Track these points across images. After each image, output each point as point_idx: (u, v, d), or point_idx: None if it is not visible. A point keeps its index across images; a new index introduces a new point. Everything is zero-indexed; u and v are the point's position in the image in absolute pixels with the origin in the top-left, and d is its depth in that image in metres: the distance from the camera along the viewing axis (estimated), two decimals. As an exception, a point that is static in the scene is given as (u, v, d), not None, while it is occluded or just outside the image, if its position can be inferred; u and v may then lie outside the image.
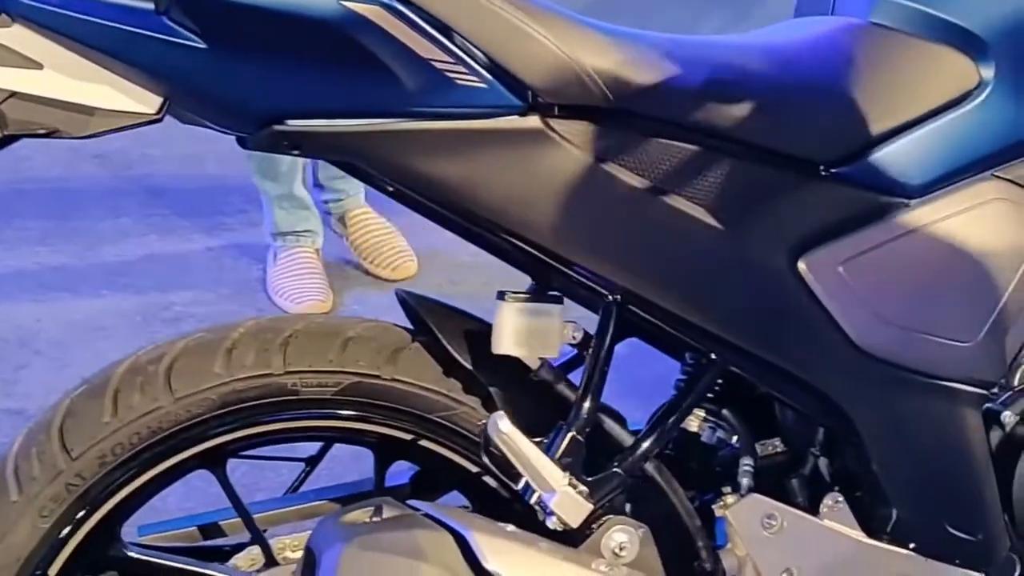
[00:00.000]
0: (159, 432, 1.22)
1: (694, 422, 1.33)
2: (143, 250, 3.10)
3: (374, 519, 1.19)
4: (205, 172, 3.46)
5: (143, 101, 1.12)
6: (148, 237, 3.17)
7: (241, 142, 1.19)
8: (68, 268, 3.00)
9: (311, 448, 1.42)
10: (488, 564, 1.15)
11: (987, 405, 1.35)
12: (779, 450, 1.37)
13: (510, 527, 1.22)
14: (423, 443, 1.29)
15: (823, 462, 1.35)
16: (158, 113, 1.13)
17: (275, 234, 2.90)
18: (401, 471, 1.38)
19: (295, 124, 1.13)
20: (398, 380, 1.26)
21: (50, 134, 1.12)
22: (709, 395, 1.32)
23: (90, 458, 1.20)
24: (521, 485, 1.20)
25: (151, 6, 1.07)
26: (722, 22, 3.35)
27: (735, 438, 1.34)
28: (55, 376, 2.51)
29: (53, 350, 2.66)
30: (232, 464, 1.29)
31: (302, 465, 1.44)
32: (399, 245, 2.96)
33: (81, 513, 1.21)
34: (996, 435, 1.37)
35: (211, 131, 1.18)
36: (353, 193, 2.97)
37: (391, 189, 1.20)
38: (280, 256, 2.88)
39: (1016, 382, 1.38)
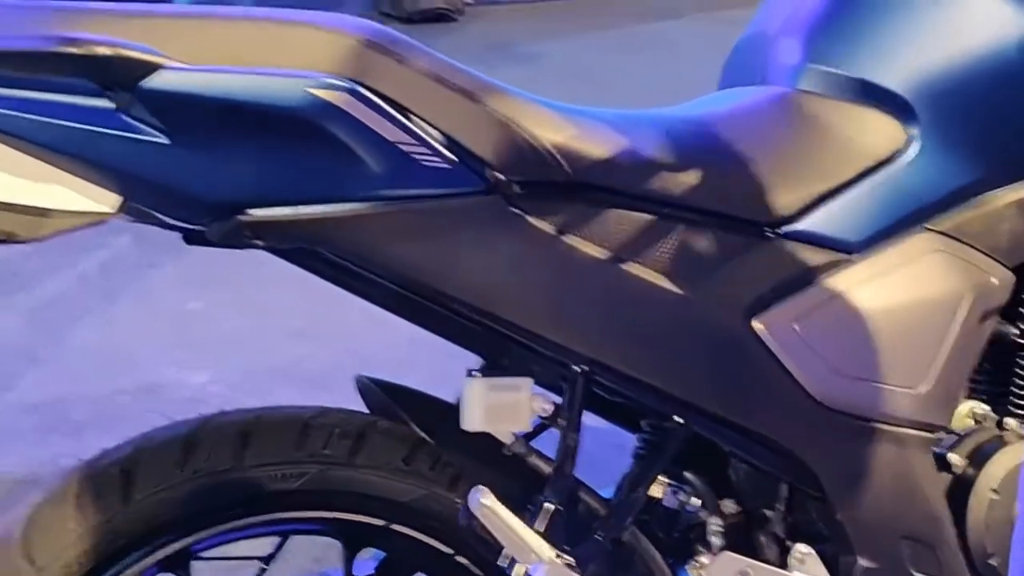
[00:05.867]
0: (122, 538, 1.18)
1: (659, 488, 1.34)
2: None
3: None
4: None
5: (101, 200, 1.09)
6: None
7: (189, 238, 1.17)
8: None
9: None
10: None
11: (935, 449, 1.39)
12: (747, 506, 1.38)
13: None
14: (394, 527, 1.27)
15: (789, 515, 1.37)
16: (116, 211, 1.10)
17: None
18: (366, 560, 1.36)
19: (258, 213, 1.11)
20: (365, 467, 1.25)
21: (5, 240, 1.09)
22: (671, 460, 1.34)
23: (55, 569, 1.16)
24: (504, 559, 1.19)
25: (111, 104, 1.05)
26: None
27: (695, 500, 1.35)
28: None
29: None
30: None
31: None
32: None
33: None
34: (945, 477, 1.41)
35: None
36: None
37: (349, 280, 1.20)
38: None
39: (961, 425, 1.43)
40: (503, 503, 1.20)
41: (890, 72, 1.36)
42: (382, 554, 1.35)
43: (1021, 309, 1.44)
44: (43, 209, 1.08)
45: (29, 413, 2.71)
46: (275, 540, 1.35)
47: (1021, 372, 1.45)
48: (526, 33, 6.17)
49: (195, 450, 1.21)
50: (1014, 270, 1.41)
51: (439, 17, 6.16)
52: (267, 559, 1.40)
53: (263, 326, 2.98)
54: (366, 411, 1.30)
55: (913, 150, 1.35)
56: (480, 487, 1.18)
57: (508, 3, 6.44)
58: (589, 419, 1.31)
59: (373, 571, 1.35)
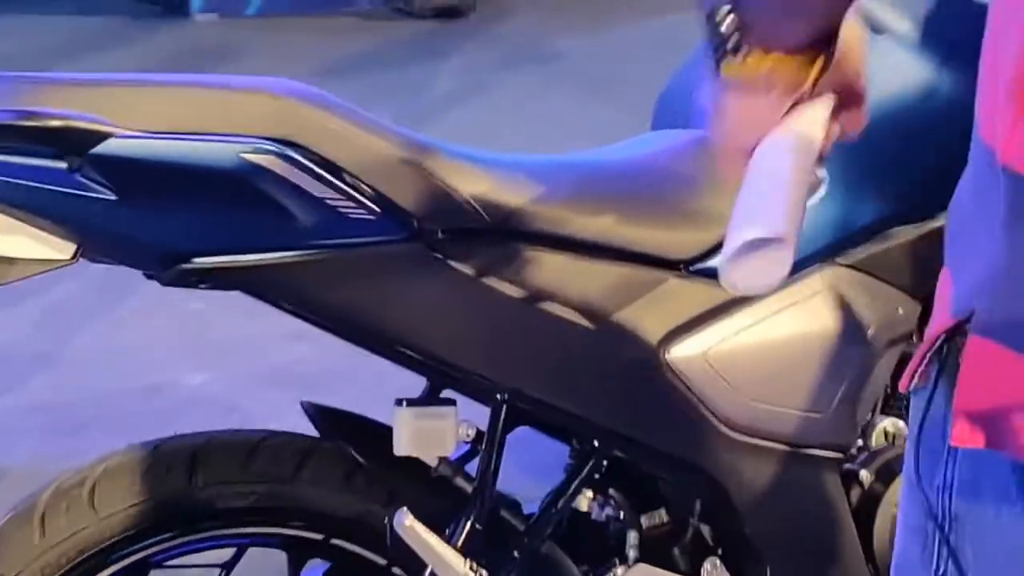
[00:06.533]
0: (85, 551, 1.31)
1: (584, 502, 1.46)
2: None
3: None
4: None
5: (58, 249, 1.22)
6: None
7: (151, 276, 1.29)
8: None
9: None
10: None
11: (846, 465, 1.50)
12: (664, 520, 1.49)
13: None
14: (334, 541, 1.39)
15: (703, 529, 1.48)
16: (72, 258, 1.23)
17: None
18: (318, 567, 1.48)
19: (201, 262, 1.24)
20: (307, 486, 1.37)
21: None
22: (596, 476, 1.45)
23: None
24: (427, 574, 1.31)
25: (63, 165, 1.17)
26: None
27: (617, 513, 1.46)
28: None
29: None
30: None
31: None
32: None
33: None
34: (855, 493, 1.51)
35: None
36: None
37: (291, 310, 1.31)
38: None
39: (872, 444, 1.53)
40: (429, 521, 1.32)
41: None
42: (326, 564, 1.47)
43: None
44: (8, 258, 1.21)
45: (36, 413, 2.84)
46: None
47: None
48: (539, 30, 6.20)
49: (151, 470, 1.34)
50: (928, 298, 1.51)
51: (450, 12, 6.23)
52: (225, 565, 1.52)
53: (262, 328, 3.10)
54: (311, 434, 1.42)
55: (822, 191, 1.45)
56: (403, 509, 1.30)
57: (520, -5, 6.48)
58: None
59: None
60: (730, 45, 0.93)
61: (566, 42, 5.84)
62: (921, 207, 1.48)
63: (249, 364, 2.95)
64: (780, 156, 0.97)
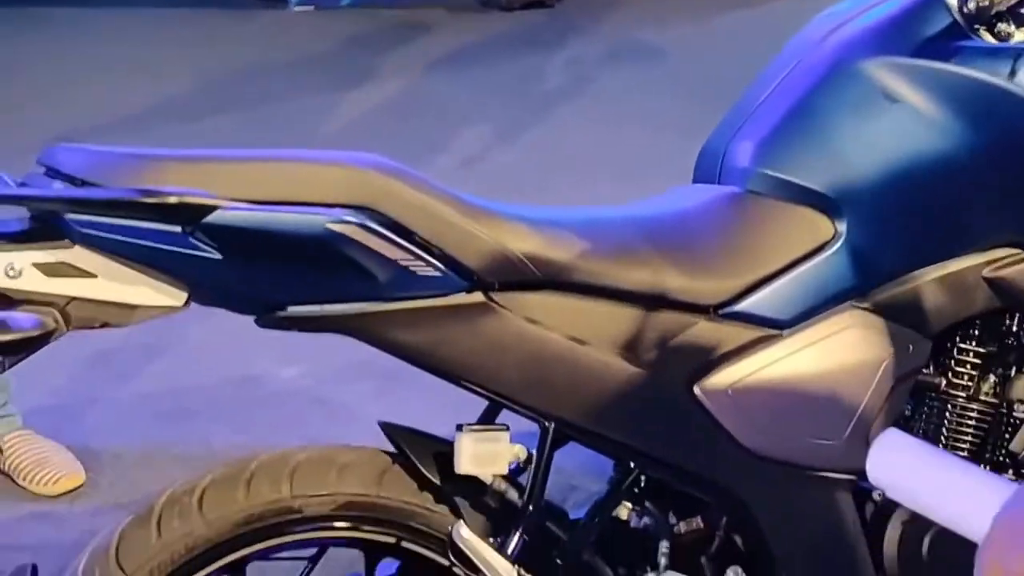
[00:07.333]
0: (194, 550, 1.54)
1: (623, 512, 1.66)
2: None
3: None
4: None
5: (173, 296, 1.45)
6: None
7: (256, 321, 1.52)
8: None
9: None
10: None
11: (861, 483, 1.68)
12: (694, 530, 1.69)
13: None
14: (404, 544, 1.62)
15: (728, 541, 1.68)
16: (184, 304, 1.46)
17: None
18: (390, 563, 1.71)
19: (293, 311, 1.46)
20: (383, 497, 1.59)
21: (102, 326, 1.45)
22: (635, 490, 1.65)
23: (141, 574, 1.53)
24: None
25: (178, 229, 1.40)
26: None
27: (656, 524, 1.67)
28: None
29: None
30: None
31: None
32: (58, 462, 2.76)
33: None
34: (869, 509, 1.70)
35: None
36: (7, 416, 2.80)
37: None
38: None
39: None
40: (486, 531, 1.54)
41: (822, 177, 1.64)
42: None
43: (947, 361, 1.72)
44: (132, 305, 1.44)
45: (146, 401, 3.11)
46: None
47: (947, 416, 1.72)
48: (626, 23, 6.29)
49: (253, 480, 1.57)
50: (940, 334, 1.69)
51: (536, 3, 6.40)
52: (312, 560, 1.76)
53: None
54: (389, 449, 1.64)
55: (839, 242, 1.62)
56: (460, 522, 1.53)
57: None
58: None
59: (394, 572, 1.70)
60: None
61: (660, 37, 5.88)
62: (931, 255, 1.65)
63: (336, 358, 3.16)
64: None
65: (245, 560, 1.60)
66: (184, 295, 1.45)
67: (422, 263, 1.45)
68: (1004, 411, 1.72)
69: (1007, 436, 1.73)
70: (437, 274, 1.46)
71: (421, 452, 1.60)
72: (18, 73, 5.53)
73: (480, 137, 4.80)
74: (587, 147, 4.70)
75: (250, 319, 1.52)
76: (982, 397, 1.70)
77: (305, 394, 3.14)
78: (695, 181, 1.77)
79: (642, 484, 1.66)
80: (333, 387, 3.14)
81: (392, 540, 1.62)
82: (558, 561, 1.58)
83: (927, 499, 0.94)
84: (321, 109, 5.10)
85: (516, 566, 1.53)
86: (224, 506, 1.55)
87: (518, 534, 1.55)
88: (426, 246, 1.45)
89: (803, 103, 1.67)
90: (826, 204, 1.62)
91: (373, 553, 1.66)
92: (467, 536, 1.51)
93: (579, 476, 1.90)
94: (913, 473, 0.95)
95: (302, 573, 1.76)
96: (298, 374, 3.19)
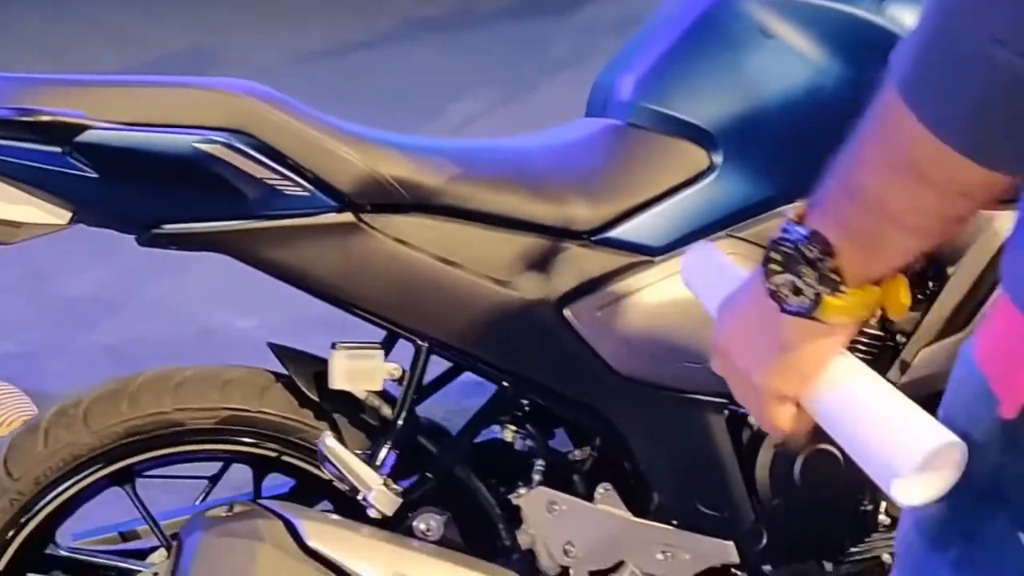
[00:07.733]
0: (79, 458, 1.62)
1: (508, 434, 1.73)
2: None
3: (227, 514, 1.59)
4: None
5: (57, 215, 1.52)
6: None
7: (136, 240, 1.59)
8: None
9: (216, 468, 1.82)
10: (310, 543, 1.55)
11: (733, 408, 1.73)
12: (568, 450, 1.75)
13: (335, 516, 1.62)
14: (286, 459, 1.69)
15: (598, 459, 1.73)
16: (68, 223, 1.53)
17: None
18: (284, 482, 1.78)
19: (169, 227, 1.53)
20: (264, 412, 1.66)
21: None
22: (515, 412, 1.72)
23: (28, 479, 1.61)
24: (348, 487, 1.59)
25: (58, 149, 1.47)
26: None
27: (528, 443, 1.73)
28: None
29: None
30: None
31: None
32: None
33: (23, 519, 1.61)
34: (745, 433, 1.75)
35: None
36: None
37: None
38: None
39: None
40: (359, 444, 1.61)
41: (701, 110, 1.68)
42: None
43: None
44: (17, 222, 1.51)
45: (106, 352, 3.19)
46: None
47: None
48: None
49: (137, 395, 1.64)
50: None
51: None
52: (212, 479, 1.83)
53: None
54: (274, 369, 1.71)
55: (715, 173, 1.67)
56: (327, 432, 1.59)
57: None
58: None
59: (287, 491, 1.77)
60: (814, 277, 0.80)
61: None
62: (805, 188, 1.68)
63: (292, 310, 3.22)
64: (868, 376, 0.91)
65: (130, 471, 1.67)
66: (68, 214, 1.52)
67: (290, 183, 1.51)
68: (890, 343, 1.76)
69: (889, 366, 1.78)
70: (306, 194, 1.52)
71: (302, 370, 1.67)
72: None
73: (486, 99, 4.84)
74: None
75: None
76: (865, 328, 1.75)
77: (261, 344, 3.20)
78: (587, 115, 1.82)
79: (525, 407, 1.72)
80: (288, 338, 3.13)
81: (274, 455, 1.69)
82: (428, 475, 1.64)
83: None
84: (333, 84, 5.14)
85: (382, 475, 1.59)
86: (108, 418, 1.63)
87: (387, 447, 1.61)
88: (297, 168, 1.51)
89: (684, 38, 1.72)
90: (703, 137, 1.67)
91: (259, 468, 1.73)
92: (331, 445, 1.58)
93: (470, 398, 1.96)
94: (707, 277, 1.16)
95: (201, 493, 1.83)
96: (254, 325, 3.27)
